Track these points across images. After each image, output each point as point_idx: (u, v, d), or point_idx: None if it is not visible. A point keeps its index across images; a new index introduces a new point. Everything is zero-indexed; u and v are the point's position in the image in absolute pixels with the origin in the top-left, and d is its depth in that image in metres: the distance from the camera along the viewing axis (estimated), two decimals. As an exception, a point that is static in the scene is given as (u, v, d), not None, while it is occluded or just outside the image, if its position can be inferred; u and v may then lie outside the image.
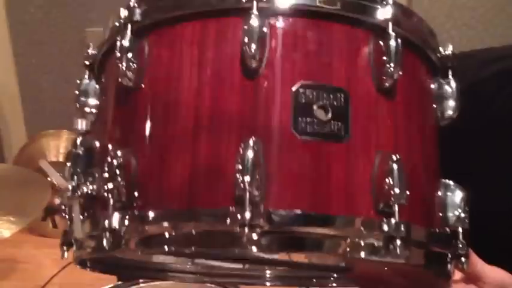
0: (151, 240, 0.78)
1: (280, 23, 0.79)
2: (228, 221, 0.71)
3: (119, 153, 0.79)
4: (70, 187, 0.83)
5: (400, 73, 0.79)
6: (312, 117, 0.76)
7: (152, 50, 0.84)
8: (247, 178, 0.71)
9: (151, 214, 0.77)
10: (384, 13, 0.80)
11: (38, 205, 1.31)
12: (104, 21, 0.89)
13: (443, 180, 0.88)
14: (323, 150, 0.77)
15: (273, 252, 0.76)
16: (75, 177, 0.85)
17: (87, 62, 0.95)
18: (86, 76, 0.95)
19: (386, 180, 0.75)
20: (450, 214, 0.85)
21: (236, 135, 0.75)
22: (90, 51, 0.94)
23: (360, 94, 0.79)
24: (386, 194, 0.75)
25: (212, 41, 0.80)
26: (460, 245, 0.83)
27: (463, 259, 0.83)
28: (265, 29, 0.77)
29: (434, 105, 0.89)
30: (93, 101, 0.93)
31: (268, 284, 1.11)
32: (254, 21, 0.76)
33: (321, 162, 0.76)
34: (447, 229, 0.84)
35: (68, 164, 0.87)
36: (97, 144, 0.89)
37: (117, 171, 0.78)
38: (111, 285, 1.27)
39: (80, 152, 0.88)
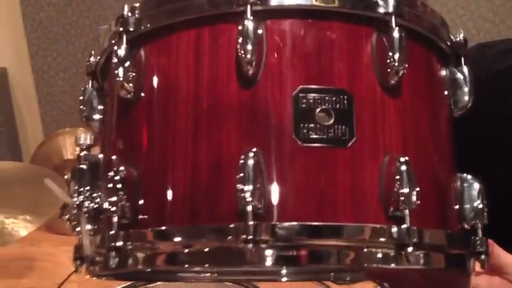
0: (158, 259, 0.76)
1: (276, 25, 0.76)
2: (231, 237, 0.69)
3: (121, 167, 0.77)
4: (75, 204, 0.82)
5: (406, 66, 0.75)
6: (314, 122, 0.73)
7: (149, 60, 0.81)
8: (249, 187, 0.68)
9: (155, 232, 0.75)
10: (385, 6, 0.76)
11: (54, 203, 1.31)
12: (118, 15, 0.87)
13: (459, 174, 0.84)
14: (327, 156, 0.73)
15: (281, 266, 0.74)
16: (80, 193, 0.83)
17: (89, 70, 0.93)
18: (89, 84, 0.93)
19: (395, 183, 0.72)
20: (467, 206, 0.82)
21: (236, 146, 0.73)
22: (92, 59, 0.93)
23: (364, 94, 0.76)
24: (395, 198, 0.72)
25: (207, 48, 0.77)
26: (479, 242, 0.80)
27: (482, 256, 0.80)
28: (260, 32, 0.74)
29: (446, 96, 0.86)
30: (97, 110, 0.92)
31: (285, 279, 1.10)
32: (249, 25, 0.72)
33: (325, 169, 0.73)
34: (465, 225, 0.81)
35: (73, 180, 0.85)
36: (101, 157, 0.87)
37: (119, 186, 0.76)
38: (129, 283, 1.27)
39: (84, 167, 0.86)
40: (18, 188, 1.37)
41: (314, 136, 0.73)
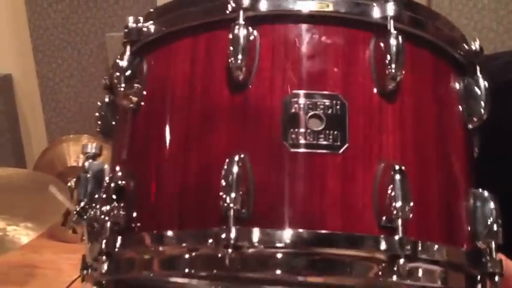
0: (148, 263, 0.76)
1: (269, 31, 0.76)
2: (212, 241, 0.68)
3: (118, 174, 0.79)
4: (75, 211, 0.83)
5: (403, 72, 0.73)
6: (305, 127, 0.71)
7: (150, 69, 0.82)
8: (231, 192, 0.67)
9: (146, 237, 0.75)
10: (383, 10, 0.75)
11: (56, 211, 1.31)
12: (124, 27, 0.89)
13: (474, 190, 0.80)
14: (317, 162, 0.72)
15: (260, 274, 0.72)
16: (83, 200, 0.84)
17: (105, 85, 0.93)
18: (106, 99, 0.93)
19: (388, 194, 0.70)
20: (480, 228, 0.78)
21: (225, 151, 0.72)
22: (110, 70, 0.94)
23: (359, 100, 0.74)
24: (388, 208, 0.69)
25: (202, 55, 0.78)
26: (490, 264, 0.76)
27: (496, 278, 0.76)
28: (252, 38, 0.73)
29: (459, 107, 0.82)
30: (111, 124, 0.92)
31: None
32: (240, 31, 0.72)
33: (314, 175, 0.71)
34: (477, 244, 0.77)
35: (76, 188, 0.86)
36: (106, 166, 0.88)
37: (113, 192, 0.76)
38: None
39: (88, 176, 0.87)
40: (20, 195, 1.37)
41: (303, 141, 0.71)
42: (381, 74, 0.74)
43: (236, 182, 0.68)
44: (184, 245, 0.72)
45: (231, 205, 0.67)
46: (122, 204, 0.76)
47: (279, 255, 0.69)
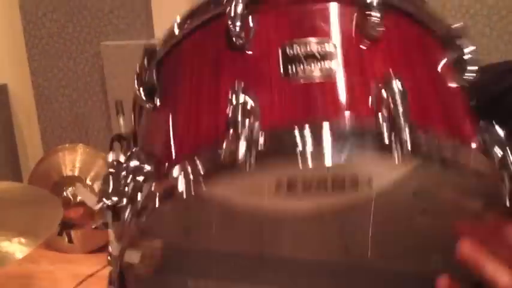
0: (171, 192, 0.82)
1: (265, 7, 0.86)
2: (225, 143, 0.75)
3: (132, 164, 0.87)
4: (101, 207, 0.88)
5: (383, 29, 0.82)
6: (301, 64, 0.81)
7: (165, 70, 0.92)
8: (237, 108, 0.75)
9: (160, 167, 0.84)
10: None
11: (50, 225, 1.32)
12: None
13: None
14: (315, 88, 0.81)
15: (269, 169, 0.78)
16: (109, 198, 0.90)
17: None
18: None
19: (384, 96, 0.76)
20: (488, 138, 0.84)
21: (228, 87, 0.79)
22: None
23: (348, 40, 0.84)
24: (387, 107, 0.76)
25: (210, 43, 0.88)
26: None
27: None
28: (249, 14, 0.83)
29: (448, 67, 0.90)
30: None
31: None
32: (237, 8, 0.82)
33: (314, 98, 0.80)
34: (489, 150, 0.83)
35: (101, 187, 0.93)
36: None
37: (135, 192, 0.86)
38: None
39: (111, 177, 0.92)
40: (14, 209, 1.38)
41: (301, 74, 0.81)
42: (365, 26, 0.83)
43: (243, 92, 0.77)
44: (199, 162, 0.79)
45: (239, 117, 0.75)
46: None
47: (286, 150, 0.76)
